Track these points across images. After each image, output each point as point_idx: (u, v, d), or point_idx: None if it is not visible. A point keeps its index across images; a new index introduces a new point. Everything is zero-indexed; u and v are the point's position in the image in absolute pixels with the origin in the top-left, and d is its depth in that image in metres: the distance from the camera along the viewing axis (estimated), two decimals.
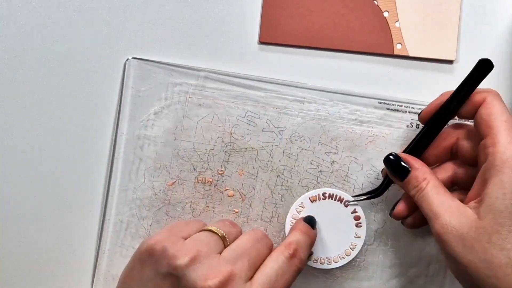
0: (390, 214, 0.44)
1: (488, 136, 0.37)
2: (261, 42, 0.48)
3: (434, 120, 0.41)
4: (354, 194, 0.45)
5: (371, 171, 0.47)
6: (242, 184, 0.47)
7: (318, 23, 0.47)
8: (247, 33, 0.48)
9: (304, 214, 0.45)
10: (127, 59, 0.47)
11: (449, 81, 0.48)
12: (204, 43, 0.48)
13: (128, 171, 0.47)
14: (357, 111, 0.47)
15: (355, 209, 0.45)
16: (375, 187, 0.45)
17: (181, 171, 0.47)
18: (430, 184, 0.39)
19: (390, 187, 0.44)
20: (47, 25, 0.47)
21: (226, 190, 0.47)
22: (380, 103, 0.47)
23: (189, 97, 0.47)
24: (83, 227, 0.47)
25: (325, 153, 0.47)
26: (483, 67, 0.39)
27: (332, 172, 0.47)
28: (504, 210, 0.34)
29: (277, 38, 0.47)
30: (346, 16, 0.47)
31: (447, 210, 0.37)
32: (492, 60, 0.39)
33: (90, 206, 0.47)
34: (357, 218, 0.45)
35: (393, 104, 0.47)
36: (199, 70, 0.47)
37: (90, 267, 0.47)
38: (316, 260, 0.45)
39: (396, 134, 0.47)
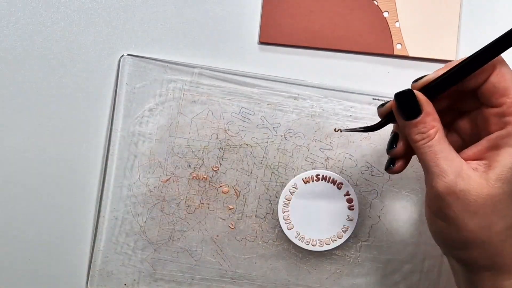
0: (386, 169, 0.40)
1: (504, 105, 0.35)
2: (261, 42, 0.48)
3: (461, 68, 0.36)
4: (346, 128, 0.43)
5: (365, 167, 0.47)
6: (236, 181, 0.47)
7: (318, 23, 0.47)
8: (247, 33, 0.48)
9: (297, 195, 0.45)
10: (122, 55, 0.47)
11: None
12: (204, 43, 0.48)
13: (122, 167, 0.47)
14: (351, 107, 0.47)
15: (348, 191, 0.45)
16: (374, 171, 0.45)
17: (175, 167, 0.47)
18: (438, 134, 0.36)
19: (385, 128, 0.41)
20: (48, 25, 0.47)
21: (220, 186, 0.47)
22: (375, 99, 0.47)
23: (183, 93, 0.47)
24: (78, 224, 0.47)
25: (319, 149, 0.47)
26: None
27: (326, 168, 0.47)
28: None
29: (277, 38, 0.47)
30: (346, 16, 0.47)
31: (454, 169, 0.35)
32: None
33: (85, 203, 0.47)
34: (349, 200, 0.45)
35: (387, 101, 0.47)
36: (194, 67, 0.47)
37: (85, 263, 0.47)
38: (308, 241, 0.45)
39: (391, 130, 0.47)
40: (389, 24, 0.47)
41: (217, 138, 0.47)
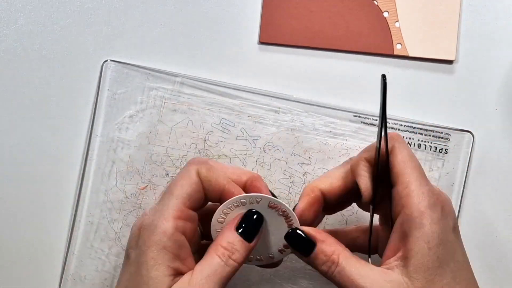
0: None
1: (398, 185, 0.35)
2: (261, 42, 0.48)
3: None
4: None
5: None
6: None
7: (318, 23, 0.47)
8: (247, 33, 0.48)
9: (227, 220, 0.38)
10: (105, 61, 0.47)
11: (449, 81, 0.48)
12: (204, 43, 0.48)
13: (100, 173, 0.47)
14: (331, 123, 0.47)
15: (282, 210, 0.38)
16: None
17: (153, 175, 0.47)
18: (341, 256, 0.35)
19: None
20: (47, 25, 0.47)
21: None
22: (355, 116, 0.47)
23: (164, 102, 0.47)
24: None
25: (298, 163, 0.47)
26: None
27: (304, 183, 0.47)
28: (432, 265, 0.33)
29: (277, 38, 0.47)
30: (346, 16, 0.47)
31: (373, 282, 0.33)
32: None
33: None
34: (285, 215, 0.38)
35: (368, 118, 0.47)
36: (176, 76, 0.47)
37: (59, 267, 0.47)
38: (258, 259, 0.40)
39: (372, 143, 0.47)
40: (389, 24, 0.47)
41: (196, 147, 0.47)
